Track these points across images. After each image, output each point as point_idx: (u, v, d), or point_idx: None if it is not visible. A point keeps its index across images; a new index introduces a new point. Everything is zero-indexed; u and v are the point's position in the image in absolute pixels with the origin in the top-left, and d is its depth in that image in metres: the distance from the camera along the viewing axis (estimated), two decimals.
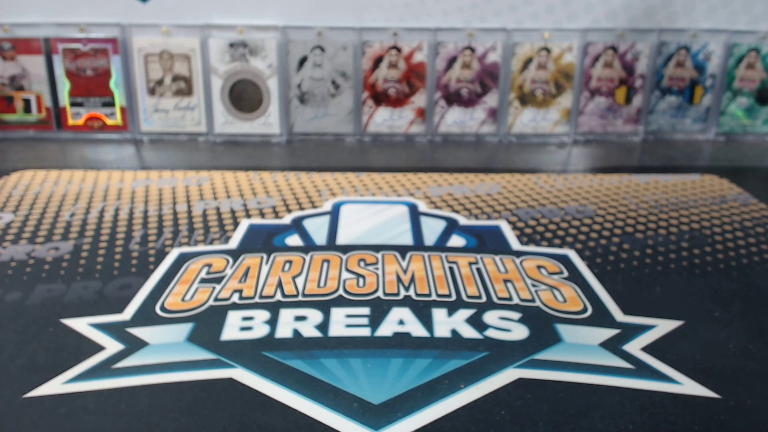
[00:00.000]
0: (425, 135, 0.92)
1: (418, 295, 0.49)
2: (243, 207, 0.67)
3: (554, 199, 0.70)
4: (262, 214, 0.65)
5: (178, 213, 0.65)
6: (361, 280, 0.51)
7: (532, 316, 0.48)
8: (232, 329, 0.44)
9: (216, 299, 0.48)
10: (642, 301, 0.50)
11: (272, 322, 0.45)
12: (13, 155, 0.83)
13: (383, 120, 0.91)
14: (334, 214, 0.65)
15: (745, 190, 0.74)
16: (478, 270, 0.54)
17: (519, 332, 0.46)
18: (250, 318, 0.46)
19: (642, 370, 0.42)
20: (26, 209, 0.66)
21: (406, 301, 0.48)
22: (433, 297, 0.49)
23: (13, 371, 0.40)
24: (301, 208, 0.67)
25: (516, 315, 0.48)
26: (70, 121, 0.88)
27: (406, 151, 0.88)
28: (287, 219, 0.64)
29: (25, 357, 0.41)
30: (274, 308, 0.47)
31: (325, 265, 0.54)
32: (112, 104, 0.88)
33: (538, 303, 0.50)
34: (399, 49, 0.88)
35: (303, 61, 0.88)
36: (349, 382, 0.39)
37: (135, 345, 0.42)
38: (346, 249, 0.57)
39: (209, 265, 0.53)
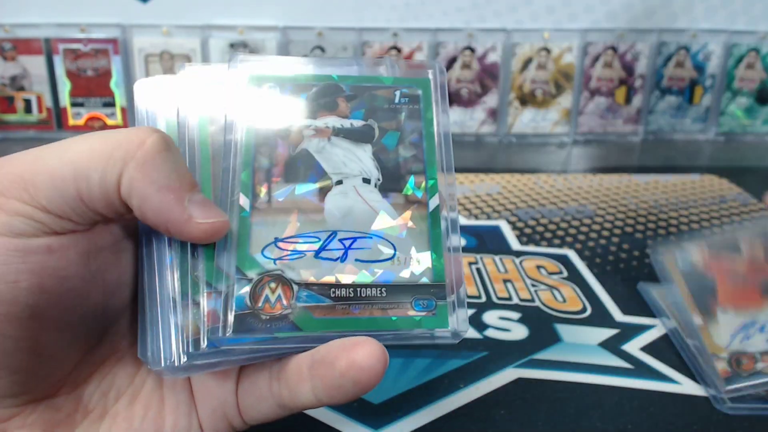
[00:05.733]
0: None
1: None
2: None
3: (554, 199, 0.70)
4: None
5: None
6: None
7: (531, 315, 0.48)
8: None
9: None
10: (641, 301, 0.50)
11: None
12: None
13: None
14: None
15: (744, 190, 0.74)
16: (478, 270, 0.55)
17: (518, 332, 0.46)
18: None
19: (641, 369, 0.43)
20: None
21: None
22: None
23: None
24: None
25: (515, 315, 0.48)
26: (71, 122, 0.88)
27: None
28: None
29: None
30: None
31: None
32: (112, 104, 0.88)
33: (537, 303, 0.50)
34: (399, 50, 0.88)
35: None
36: None
37: None
38: None
39: None
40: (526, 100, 0.91)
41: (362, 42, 0.88)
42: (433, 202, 0.28)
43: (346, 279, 0.26)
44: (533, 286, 0.52)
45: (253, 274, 0.25)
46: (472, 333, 0.46)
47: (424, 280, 0.27)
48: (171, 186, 0.23)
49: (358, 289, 0.26)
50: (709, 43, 0.90)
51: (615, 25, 0.90)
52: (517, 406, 0.39)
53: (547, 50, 0.89)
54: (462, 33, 0.88)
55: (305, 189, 0.27)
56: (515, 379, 0.41)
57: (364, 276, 0.26)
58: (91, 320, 0.26)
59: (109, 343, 0.27)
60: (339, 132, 0.29)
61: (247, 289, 0.25)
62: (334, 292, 0.26)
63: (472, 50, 0.88)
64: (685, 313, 0.45)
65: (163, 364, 0.24)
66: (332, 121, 0.29)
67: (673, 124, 0.94)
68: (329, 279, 0.26)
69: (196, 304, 0.25)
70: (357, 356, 0.23)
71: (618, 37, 0.89)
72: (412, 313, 0.26)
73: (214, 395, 0.27)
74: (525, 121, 0.91)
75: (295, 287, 0.26)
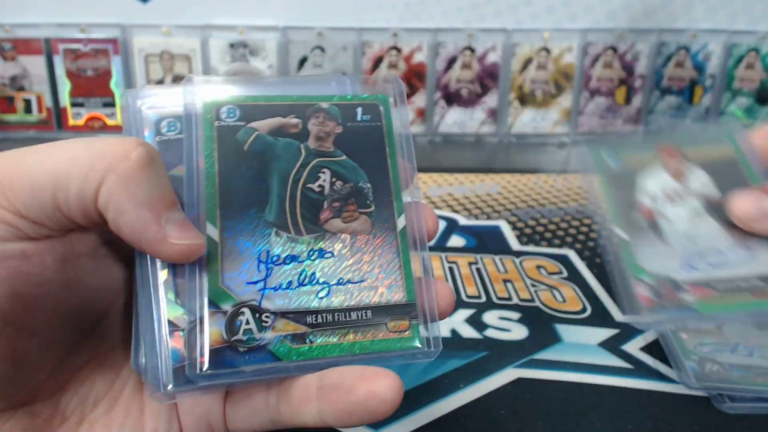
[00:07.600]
0: (425, 135, 0.92)
1: None
2: None
3: (554, 199, 0.70)
4: None
5: None
6: None
7: (531, 315, 0.48)
8: None
9: None
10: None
11: None
12: None
13: None
14: None
15: None
16: (478, 270, 0.55)
17: (518, 332, 0.46)
18: None
19: (641, 369, 0.43)
20: None
21: None
22: None
23: None
24: None
25: (515, 315, 0.48)
26: (71, 122, 0.88)
27: None
28: None
29: None
30: None
31: None
32: (112, 104, 0.88)
33: (537, 303, 0.50)
34: (399, 50, 0.88)
35: (303, 61, 0.88)
36: None
37: None
38: None
39: None
40: (526, 100, 0.91)
41: (362, 42, 0.88)
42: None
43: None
44: (533, 286, 0.52)
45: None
46: (472, 333, 0.46)
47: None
48: (150, 203, 0.23)
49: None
50: (709, 43, 0.90)
51: (615, 25, 0.90)
52: (517, 406, 0.39)
53: (547, 50, 0.89)
54: (462, 33, 0.88)
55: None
56: (515, 379, 0.41)
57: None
58: (68, 326, 0.25)
59: (88, 349, 0.26)
60: None
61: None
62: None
63: (472, 50, 0.88)
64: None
65: (161, 390, 0.24)
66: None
67: (674, 125, 0.94)
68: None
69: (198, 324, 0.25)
70: (378, 387, 0.23)
71: (618, 37, 0.89)
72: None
73: (199, 403, 0.27)
74: (525, 121, 0.91)
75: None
